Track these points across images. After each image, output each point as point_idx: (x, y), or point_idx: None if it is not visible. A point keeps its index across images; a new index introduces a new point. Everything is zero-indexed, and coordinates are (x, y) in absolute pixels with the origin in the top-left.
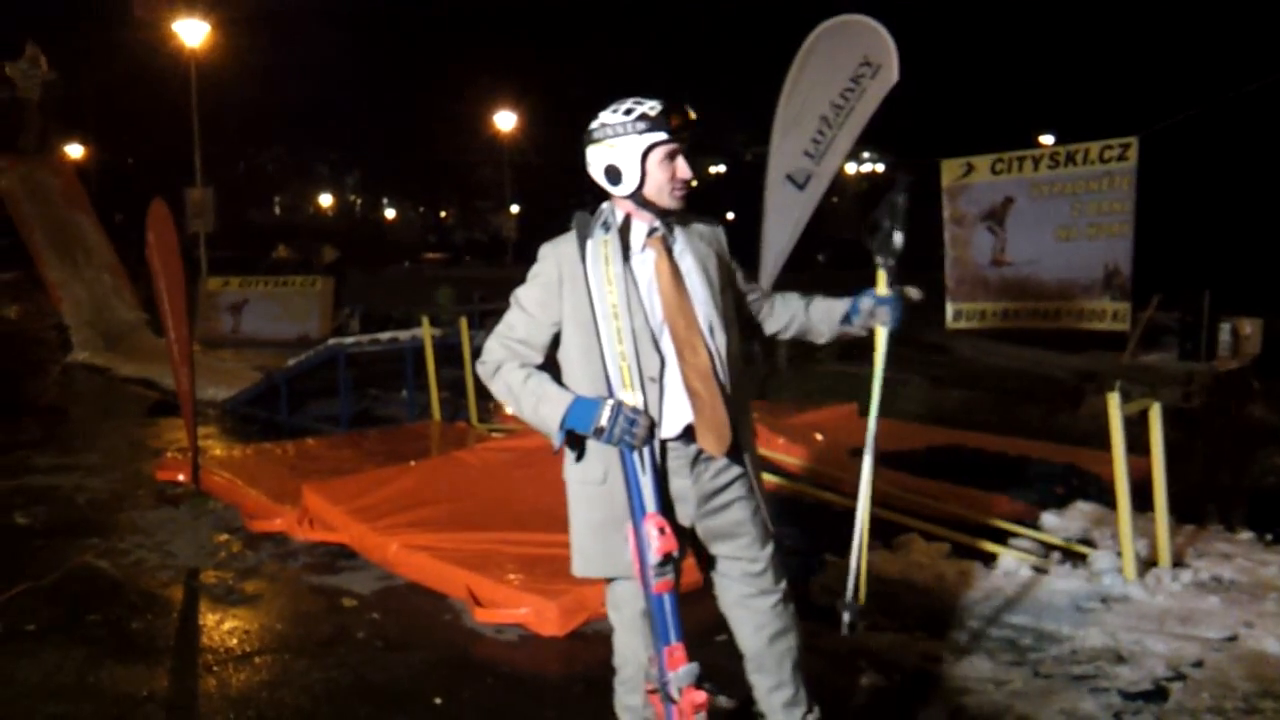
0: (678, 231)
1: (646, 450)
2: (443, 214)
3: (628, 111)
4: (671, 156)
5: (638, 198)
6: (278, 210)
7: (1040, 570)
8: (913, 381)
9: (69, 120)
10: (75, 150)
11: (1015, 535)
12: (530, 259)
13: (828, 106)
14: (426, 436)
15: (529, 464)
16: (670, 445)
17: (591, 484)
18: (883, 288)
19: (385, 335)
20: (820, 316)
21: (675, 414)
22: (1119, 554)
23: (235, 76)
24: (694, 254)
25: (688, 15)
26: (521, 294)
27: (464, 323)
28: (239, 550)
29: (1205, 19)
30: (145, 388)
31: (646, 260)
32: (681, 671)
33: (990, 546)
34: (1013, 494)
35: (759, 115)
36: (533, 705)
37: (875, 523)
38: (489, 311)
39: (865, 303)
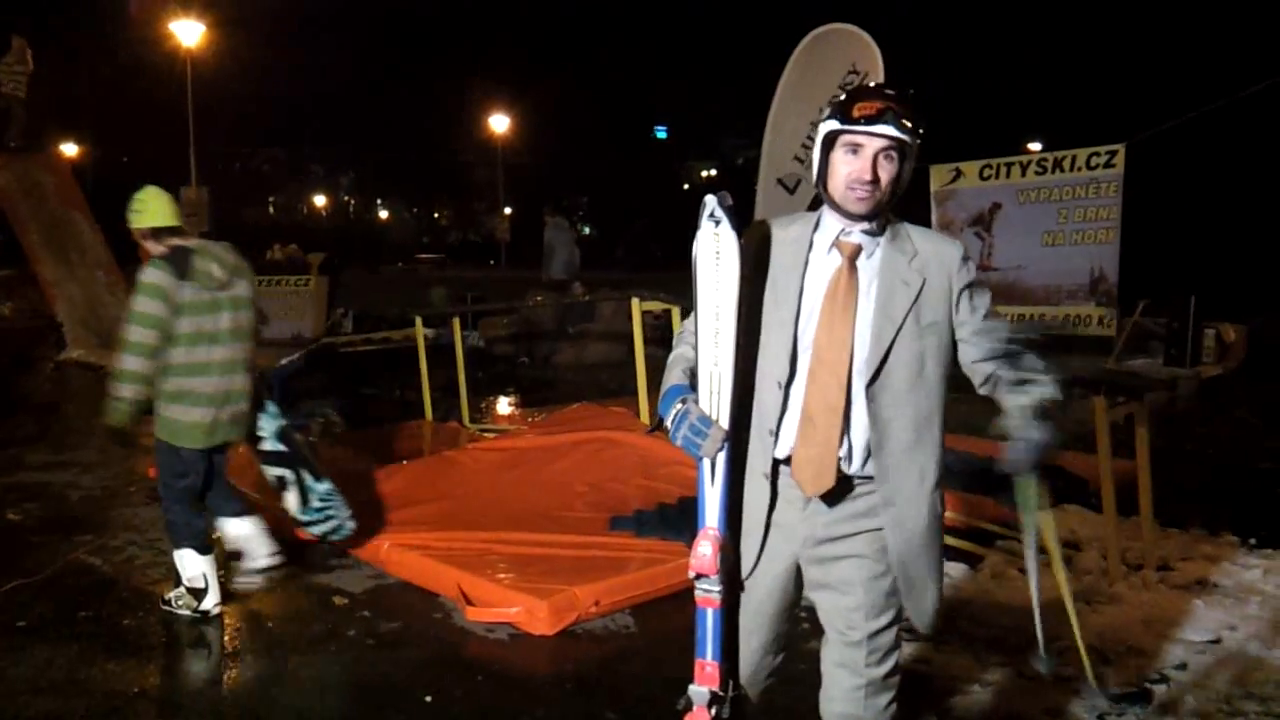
0: (882, 242)
1: (722, 460)
2: (436, 215)
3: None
4: (854, 151)
5: (824, 194)
6: (272, 210)
7: (1026, 572)
8: None
9: (65, 118)
10: (70, 149)
11: (1001, 538)
12: (522, 260)
13: (817, 112)
14: (419, 436)
15: (520, 464)
16: (785, 469)
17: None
18: (1029, 428)
19: (378, 335)
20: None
21: (792, 434)
22: (1104, 556)
23: (231, 77)
24: (888, 275)
25: (681, 20)
26: None
27: (456, 323)
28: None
29: (1193, 28)
30: None
31: (827, 264)
32: (694, 689)
33: (976, 549)
34: (998, 497)
35: (751, 120)
36: (523, 704)
37: None
38: (481, 312)
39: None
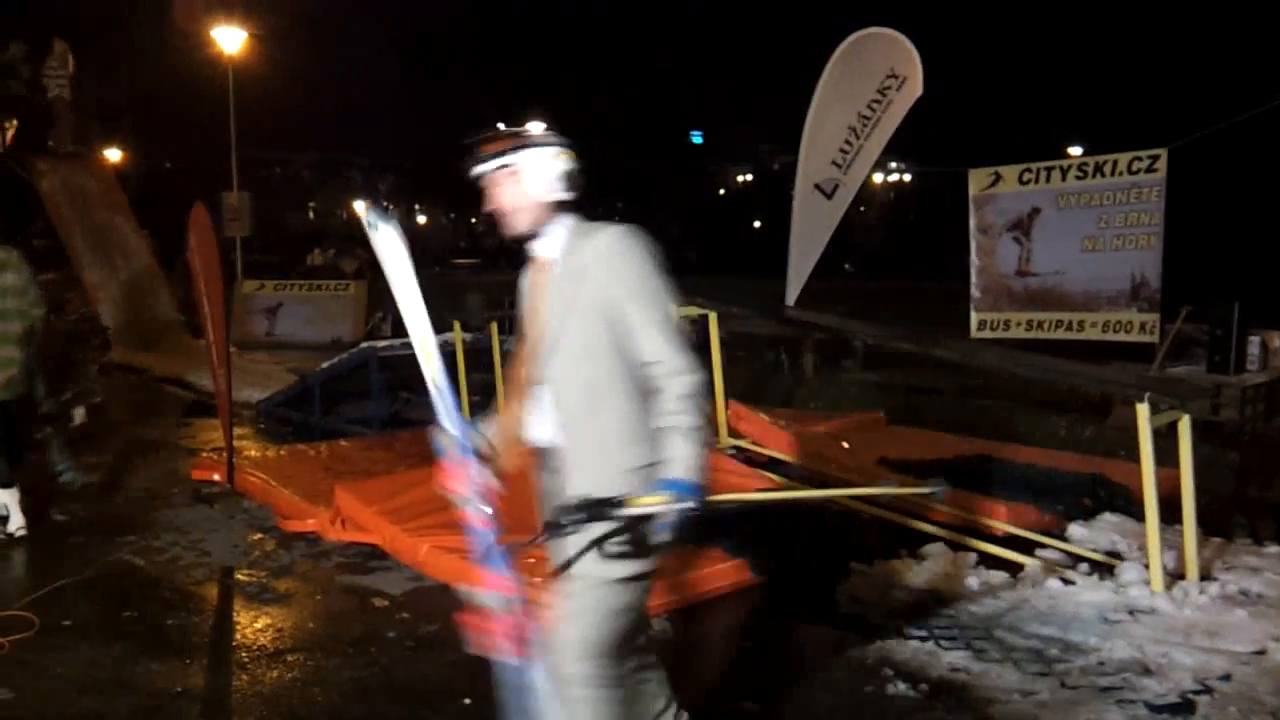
0: (564, 246)
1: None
2: (474, 220)
3: None
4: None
5: None
6: (312, 215)
7: (1067, 581)
8: (939, 392)
9: (108, 124)
10: (114, 154)
11: (1042, 546)
12: None
13: (855, 117)
14: None
15: None
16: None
17: None
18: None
19: None
20: None
21: (539, 425)
22: (1146, 566)
23: (272, 83)
24: (562, 272)
25: (716, 25)
26: None
27: (494, 327)
28: (272, 550)
29: (1238, 31)
30: (181, 388)
31: (534, 278)
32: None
33: (1017, 557)
34: (1040, 505)
35: (787, 125)
36: None
37: (902, 532)
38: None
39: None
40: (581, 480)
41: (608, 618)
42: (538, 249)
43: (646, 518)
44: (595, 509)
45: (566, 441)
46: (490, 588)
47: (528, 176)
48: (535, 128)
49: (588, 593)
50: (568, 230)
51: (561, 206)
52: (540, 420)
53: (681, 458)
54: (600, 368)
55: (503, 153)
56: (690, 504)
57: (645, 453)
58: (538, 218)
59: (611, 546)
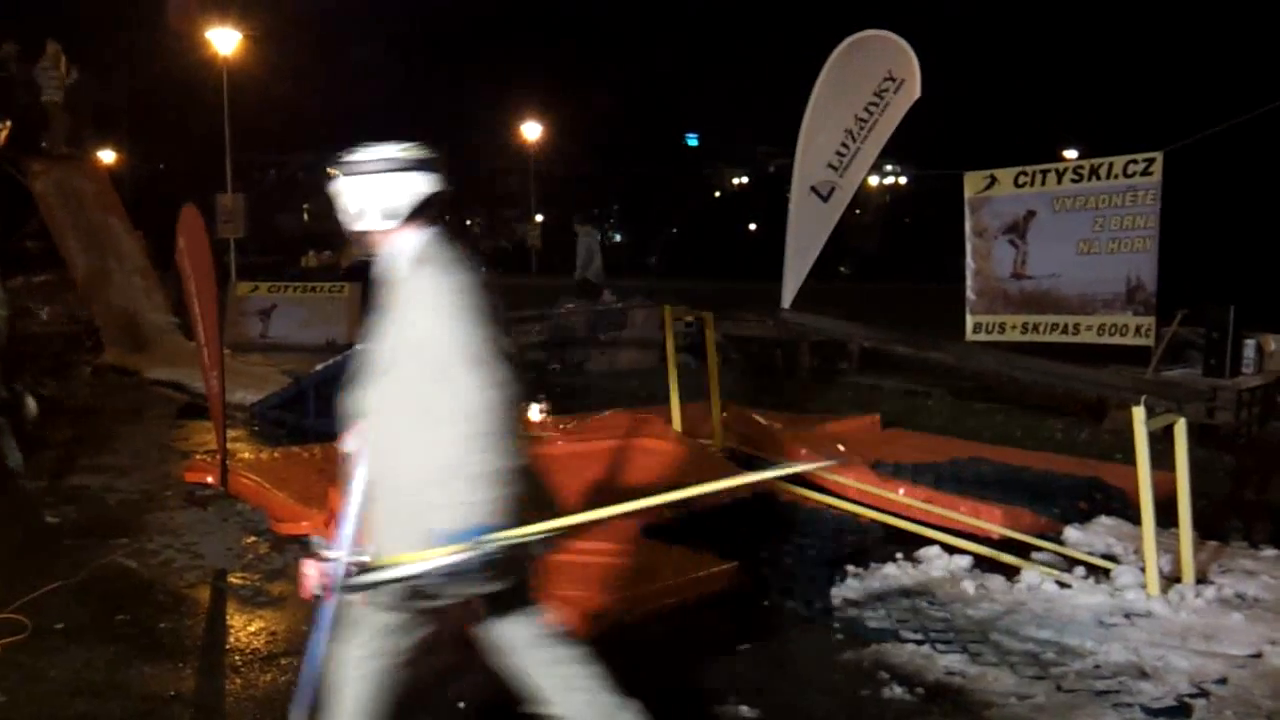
0: (406, 273)
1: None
2: (469, 222)
3: None
4: None
5: None
6: (306, 217)
7: (1063, 585)
8: (935, 394)
9: (102, 125)
10: (108, 155)
11: (1038, 549)
12: (554, 267)
13: (851, 119)
14: None
15: (551, 471)
16: None
17: None
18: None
19: None
20: None
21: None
22: (1142, 569)
23: (266, 84)
24: (399, 300)
25: (713, 28)
26: None
27: None
28: (266, 552)
29: (1233, 34)
30: (174, 390)
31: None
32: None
33: (1013, 560)
34: (1036, 508)
35: (782, 127)
36: None
37: (897, 535)
38: (514, 319)
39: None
40: (385, 514)
41: (391, 634)
42: (382, 271)
43: (436, 569)
44: (380, 573)
45: (376, 471)
46: (328, 535)
47: (343, 204)
48: (367, 153)
49: (381, 612)
50: (410, 256)
51: (407, 225)
52: (360, 445)
53: (476, 501)
54: (413, 403)
55: (331, 180)
56: (482, 548)
57: (446, 493)
58: (371, 242)
59: (405, 598)
